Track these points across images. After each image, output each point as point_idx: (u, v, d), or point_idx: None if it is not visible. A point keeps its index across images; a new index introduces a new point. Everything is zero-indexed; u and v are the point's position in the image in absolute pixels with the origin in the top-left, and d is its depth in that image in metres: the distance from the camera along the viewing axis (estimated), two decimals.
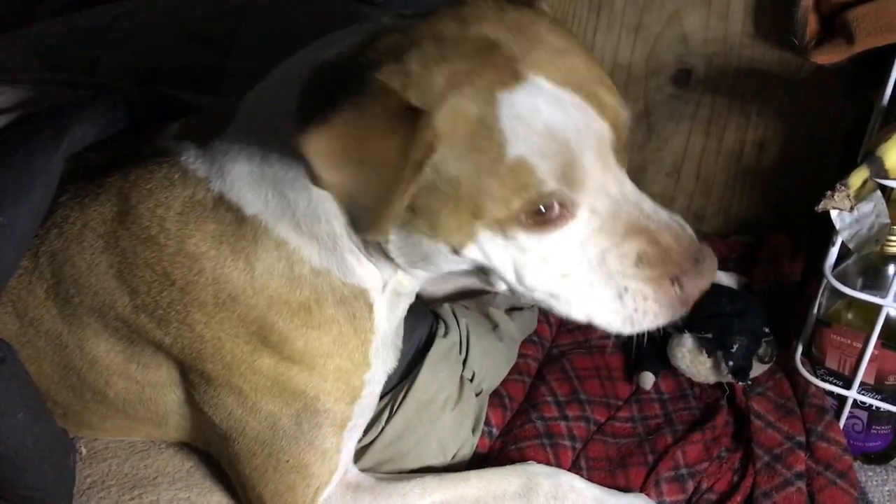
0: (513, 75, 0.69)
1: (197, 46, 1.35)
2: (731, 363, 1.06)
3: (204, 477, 0.97)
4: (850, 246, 0.91)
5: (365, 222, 0.71)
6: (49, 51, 1.37)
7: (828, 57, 1.05)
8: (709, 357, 1.08)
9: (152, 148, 0.85)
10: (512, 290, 0.78)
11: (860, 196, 0.87)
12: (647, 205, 0.75)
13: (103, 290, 0.83)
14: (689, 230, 0.76)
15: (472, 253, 0.74)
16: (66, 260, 0.84)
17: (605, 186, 0.73)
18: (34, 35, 1.47)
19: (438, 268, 0.79)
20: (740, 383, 1.07)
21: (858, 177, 0.87)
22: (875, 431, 1.04)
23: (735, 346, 1.06)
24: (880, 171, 0.87)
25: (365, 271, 0.81)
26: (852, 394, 1.02)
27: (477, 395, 1.05)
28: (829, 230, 0.97)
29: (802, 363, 1.06)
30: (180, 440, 0.98)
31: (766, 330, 1.10)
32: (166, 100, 0.99)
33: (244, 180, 0.79)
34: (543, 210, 0.71)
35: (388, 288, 0.84)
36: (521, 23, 0.73)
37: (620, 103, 0.74)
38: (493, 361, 1.07)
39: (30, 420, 0.84)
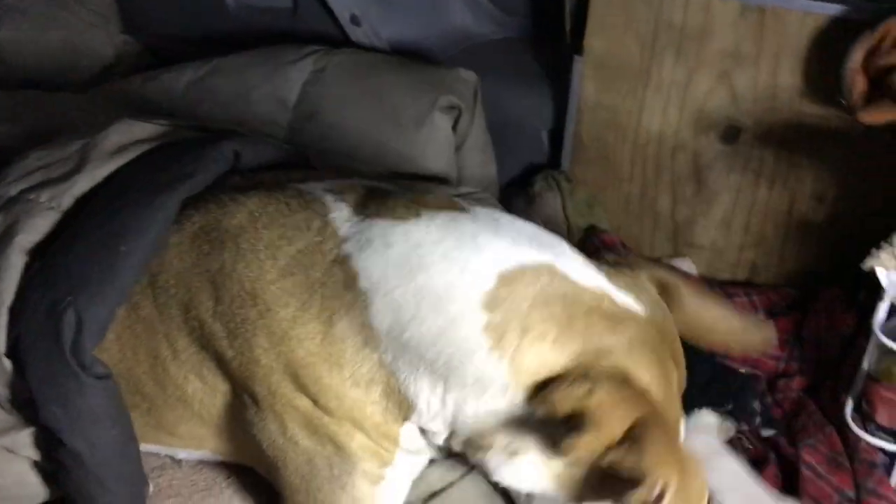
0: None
1: (262, 105, 1.43)
2: (762, 422, 1.09)
3: None
4: None
5: None
6: (132, 109, 1.45)
7: (875, 117, 1.06)
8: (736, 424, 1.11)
9: (300, 191, 0.91)
10: None
11: None
12: None
13: (195, 288, 0.89)
14: None
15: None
16: (176, 254, 0.91)
17: None
18: (112, 94, 1.56)
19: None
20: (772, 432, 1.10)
21: None
22: None
23: (756, 406, 1.10)
24: None
25: (434, 410, 0.84)
26: None
27: None
28: (879, 285, 0.98)
29: (853, 419, 1.06)
30: (247, 461, 1.01)
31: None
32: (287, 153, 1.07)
33: (383, 261, 0.82)
34: None
35: (420, 438, 0.88)
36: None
37: None
38: None
39: (121, 440, 0.91)
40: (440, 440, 0.88)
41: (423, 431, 0.88)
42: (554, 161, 1.48)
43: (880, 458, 1.04)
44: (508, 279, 0.79)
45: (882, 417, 1.03)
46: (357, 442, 0.87)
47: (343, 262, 0.84)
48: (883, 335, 0.99)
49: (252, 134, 1.10)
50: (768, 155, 1.30)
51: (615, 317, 0.80)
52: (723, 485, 0.98)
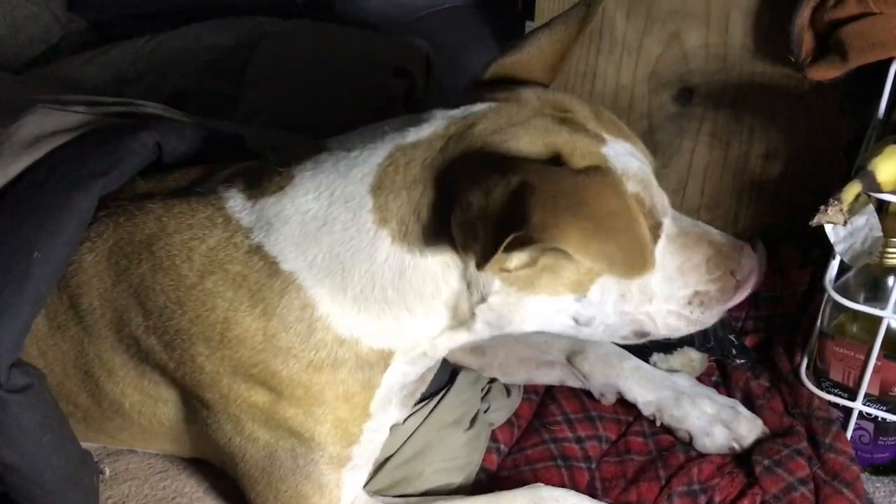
0: (598, 136, 0.81)
1: (211, 76, 1.40)
2: (739, 357, 1.13)
3: (220, 497, 1.00)
4: (845, 259, 0.92)
5: (634, 268, 0.74)
6: (72, 88, 1.42)
7: (823, 73, 1.06)
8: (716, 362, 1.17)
9: (201, 188, 0.89)
10: (599, 329, 0.85)
11: (853, 210, 0.88)
12: (688, 218, 0.88)
13: (122, 306, 0.87)
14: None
15: (593, 293, 0.80)
16: (94, 274, 0.88)
17: (667, 209, 0.84)
18: (57, 73, 1.53)
19: (526, 327, 0.83)
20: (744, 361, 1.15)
21: (851, 191, 0.88)
22: (882, 443, 1.04)
23: (733, 339, 1.15)
24: (872, 184, 0.88)
25: (414, 331, 0.83)
26: (857, 405, 1.02)
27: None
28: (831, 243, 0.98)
29: (807, 376, 1.07)
30: (197, 457, 1.01)
31: None
32: (212, 134, 1.02)
33: (292, 239, 0.82)
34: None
35: (418, 350, 0.86)
36: (567, 100, 0.85)
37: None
38: (507, 401, 1.10)
39: (56, 444, 0.87)
40: (436, 352, 0.88)
41: (407, 364, 0.87)
42: None
43: (835, 414, 1.05)
44: (378, 188, 0.80)
45: (836, 373, 1.04)
46: (326, 426, 0.86)
47: (258, 250, 0.83)
48: (835, 291, 0.99)
49: (176, 119, 1.04)
50: (721, 115, 1.30)
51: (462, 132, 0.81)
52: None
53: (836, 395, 1.04)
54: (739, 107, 1.28)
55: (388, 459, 1.00)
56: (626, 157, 0.80)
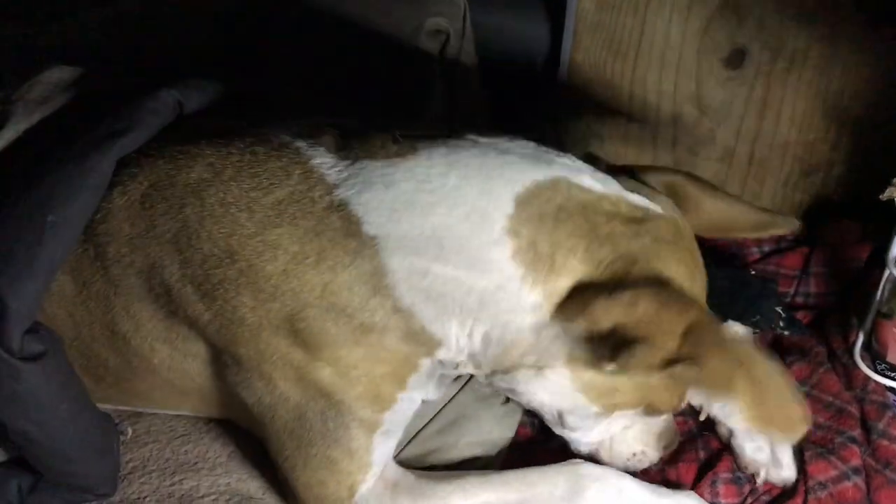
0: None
1: (222, 31, 1.35)
2: (788, 329, 1.08)
3: (244, 462, 0.97)
4: None
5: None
6: (85, 43, 1.37)
7: None
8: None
9: (264, 138, 0.84)
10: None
11: None
12: None
13: (155, 252, 0.83)
14: None
15: (617, 418, 0.87)
16: (125, 218, 0.84)
17: None
18: (71, 26, 1.48)
19: (532, 401, 0.85)
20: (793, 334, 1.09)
21: None
22: None
23: (780, 311, 1.09)
24: None
25: (463, 341, 0.81)
26: None
27: None
28: (894, 219, 0.93)
29: (862, 357, 1.02)
30: (227, 417, 0.98)
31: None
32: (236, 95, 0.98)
33: (389, 205, 0.78)
34: None
35: (454, 358, 0.83)
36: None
37: None
38: None
39: (73, 411, 0.85)
40: (462, 370, 0.85)
41: (441, 363, 0.84)
42: (550, 89, 1.41)
43: (891, 398, 1.00)
44: (526, 200, 0.77)
45: (893, 356, 0.99)
46: (359, 389, 0.83)
47: (340, 208, 0.78)
48: None
49: (194, 78, 0.99)
50: (775, 80, 1.23)
51: (636, 219, 0.78)
52: None
53: (892, 378, 1.00)
54: (793, 73, 1.21)
55: (420, 430, 0.97)
56: None
